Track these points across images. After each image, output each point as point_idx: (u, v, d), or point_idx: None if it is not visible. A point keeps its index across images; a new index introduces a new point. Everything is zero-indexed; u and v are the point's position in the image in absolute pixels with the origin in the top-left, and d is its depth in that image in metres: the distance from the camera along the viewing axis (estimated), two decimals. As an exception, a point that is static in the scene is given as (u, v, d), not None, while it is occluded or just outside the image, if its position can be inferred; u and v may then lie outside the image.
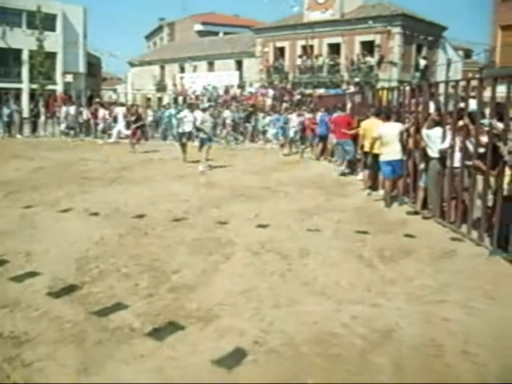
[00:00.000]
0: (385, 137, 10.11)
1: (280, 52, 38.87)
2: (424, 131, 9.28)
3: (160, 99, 43.37)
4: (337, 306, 5.17)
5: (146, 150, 19.73)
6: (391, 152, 10.08)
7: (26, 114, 28.76)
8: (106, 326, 4.63)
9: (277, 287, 5.67)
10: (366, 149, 11.36)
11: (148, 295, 5.36)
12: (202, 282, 5.79)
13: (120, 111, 23.38)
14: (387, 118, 10.55)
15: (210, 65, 45.17)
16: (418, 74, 33.60)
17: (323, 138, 17.62)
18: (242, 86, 38.63)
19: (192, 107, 18.21)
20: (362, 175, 12.83)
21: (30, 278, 5.76)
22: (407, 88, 11.73)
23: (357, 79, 33.24)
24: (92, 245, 7.09)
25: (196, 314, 4.91)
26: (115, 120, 23.61)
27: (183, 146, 16.44)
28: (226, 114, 26.03)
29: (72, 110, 25.77)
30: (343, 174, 14.14)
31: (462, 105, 9.03)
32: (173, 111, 25.96)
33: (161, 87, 47.83)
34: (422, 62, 33.71)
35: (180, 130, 16.81)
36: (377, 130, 10.40)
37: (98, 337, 4.42)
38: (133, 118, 20.81)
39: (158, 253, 6.80)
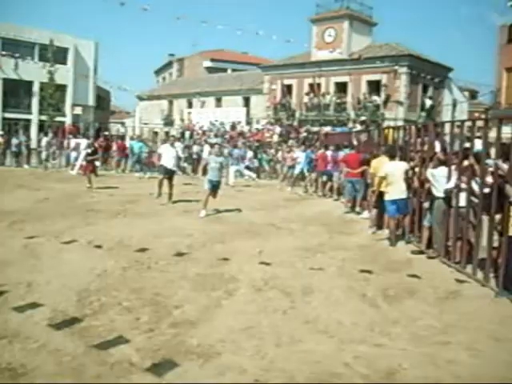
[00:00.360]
0: (390, 176, 10.12)
1: (287, 89, 39.26)
2: (429, 170, 9.30)
3: (167, 133, 43.75)
4: (339, 346, 5.10)
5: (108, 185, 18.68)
6: (396, 191, 10.07)
7: (34, 144, 29.04)
8: (106, 359, 4.57)
9: (279, 325, 5.61)
10: (375, 188, 11.32)
11: (149, 330, 5.31)
12: (204, 318, 5.73)
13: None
14: (392, 157, 10.58)
15: (218, 101, 45.63)
16: (423, 114, 33.79)
17: (329, 175, 17.73)
18: (249, 123, 38.92)
19: (172, 141, 17.96)
20: (367, 213, 12.84)
21: (30, 309, 5.73)
22: (413, 127, 11.79)
23: (363, 118, 33.43)
24: (94, 277, 7.05)
25: (196, 351, 4.85)
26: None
27: (160, 182, 15.23)
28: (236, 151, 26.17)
29: (82, 142, 26.09)
30: (349, 212, 14.09)
31: (467, 145, 9.06)
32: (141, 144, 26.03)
33: (168, 121, 48.26)
34: (428, 102, 33.94)
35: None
36: (382, 169, 10.42)
37: (96, 371, 4.37)
38: (89, 150, 19.10)
39: (160, 287, 6.75)
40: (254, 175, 23.98)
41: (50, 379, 4.20)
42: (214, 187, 13.03)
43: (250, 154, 25.45)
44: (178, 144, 23.28)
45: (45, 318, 5.50)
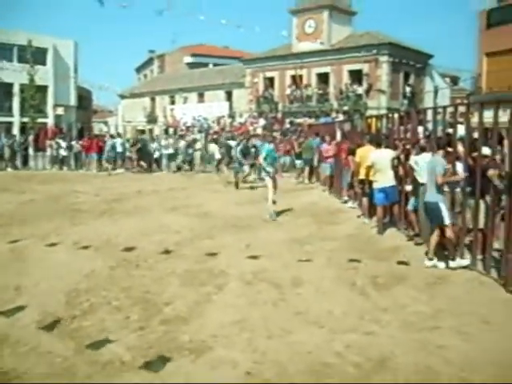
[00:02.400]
0: (377, 164, 10.14)
1: (269, 82, 39.21)
2: (412, 158, 9.33)
3: (151, 131, 43.54)
4: (330, 335, 5.11)
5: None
6: (384, 179, 10.09)
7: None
8: (97, 359, 4.56)
9: (270, 317, 5.62)
10: (362, 176, 11.32)
11: (139, 328, 5.29)
12: (195, 314, 5.72)
13: None
14: (378, 145, 10.59)
15: (201, 96, 45.45)
16: (406, 102, 33.94)
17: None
18: (232, 117, 38.84)
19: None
20: (351, 203, 12.90)
21: (19, 313, 5.69)
22: (396, 115, 11.82)
23: (346, 108, 33.50)
24: (82, 278, 7.01)
25: (188, 346, 4.85)
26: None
27: None
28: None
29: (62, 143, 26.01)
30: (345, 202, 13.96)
31: (450, 130, 9.10)
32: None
33: (152, 119, 48.04)
34: (408, 89, 34.09)
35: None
36: (369, 158, 10.42)
37: (88, 371, 4.35)
38: None
39: (149, 285, 6.74)
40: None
41: (43, 381, 4.17)
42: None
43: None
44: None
45: (34, 320, 5.47)
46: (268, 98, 38.70)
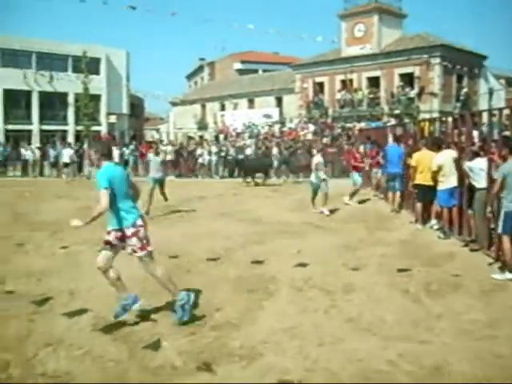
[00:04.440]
0: (444, 166, 9.96)
1: (319, 87, 39.07)
2: (466, 164, 9.12)
3: (201, 137, 44.06)
4: (383, 343, 5.02)
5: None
6: (449, 180, 9.90)
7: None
8: (149, 364, 4.60)
9: (321, 324, 5.56)
10: (418, 181, 11.09)
11: (190, 333, 5.31)
12: (245, 320, 5.71)
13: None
14: (438, 148, 10.38)
15: (250, 102, 45.68)
16: (459, 105, 33.23)
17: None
18: (282, 122, 38.89)
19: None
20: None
21: (73, 317, 5.81)
22: (449, 118, 11.57)
23: (397, 111, 33.07)
24: (134, 283, 7.09)
25: (239, 353, 4.84)
26: None
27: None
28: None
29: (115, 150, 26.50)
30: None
31: (507, 133, 8.85)
32: None
33: (202, 125, 48.55)
34: (462, 91, 33.38)
35: None
36: (434, 162, 10.19)
37: (140, 377, 4.39)
38: None
39: (200, 290, 6.76)
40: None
41: (95, 385, 4.24)
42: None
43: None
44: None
45: (88, 324, 5.57)
46: (318, 103, 38.58)
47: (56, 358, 4.76)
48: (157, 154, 15.01)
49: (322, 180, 13.38)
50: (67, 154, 26.46)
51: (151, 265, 5.70)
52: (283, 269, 7.80)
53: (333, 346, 4.98)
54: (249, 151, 27.40)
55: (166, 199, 14.07)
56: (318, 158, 13.66)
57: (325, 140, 27.97)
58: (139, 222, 5.65)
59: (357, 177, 15.46)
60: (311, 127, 33.81)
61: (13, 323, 5.63)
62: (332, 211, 13.34)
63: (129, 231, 5.57)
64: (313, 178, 13.52)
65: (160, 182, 13.92)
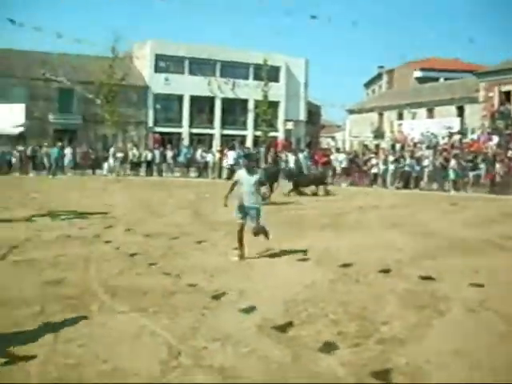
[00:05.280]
0: None
1: (506, 96, 36.65)
2: None
3: (377, 146, 43.48)
4: None
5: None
6: None
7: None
8: (311, 371, 4.58)
9: (494, 349, 5.16)
10: None
11: (355, 344, 5.21)
12: (413, 337, 5.47)
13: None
14: None
15: (430, 111, 44.18)
16: None
17: None
18: (462, 133, 37.09)
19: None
20: None
21: (241, 315, 5.99)
22: None
23: None
24: (302, 288, 7.16)
25: (404, 370, 4.64)
26: None
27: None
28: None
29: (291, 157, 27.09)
30: None
31: None
32: None
33: (378, 134, 47.95)
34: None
35: None
36: None
37: (301, 382, 4.39)
38: None
39: (367, 301, 6.62)
40: None
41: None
42: None
43: None
44: None
45: (254, 324, 5.69)
46: (504, 113, 36.19)
47: (223, 352, 4.92)
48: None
49: None
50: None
51: None
52: (456, 287, 7.37)
53: (508, 376, 4.58)
54: (426, 162, 26.50)
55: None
56: None
57: (510, 153, 26.15)
58: None
59: None
60: (495, 139, 31.81)
61: (187, 315, 5.94)
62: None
63: None
64: None
65: None
